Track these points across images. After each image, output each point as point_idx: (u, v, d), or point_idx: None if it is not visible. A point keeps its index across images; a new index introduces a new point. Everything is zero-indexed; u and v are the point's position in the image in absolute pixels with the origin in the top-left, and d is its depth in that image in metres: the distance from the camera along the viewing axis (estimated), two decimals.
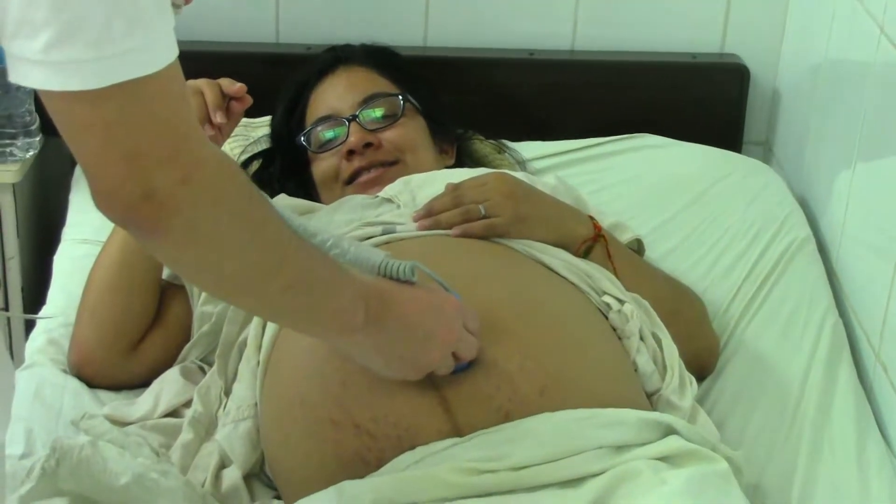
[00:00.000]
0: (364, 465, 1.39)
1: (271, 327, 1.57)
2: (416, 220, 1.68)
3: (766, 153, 2.39)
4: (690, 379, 1.60)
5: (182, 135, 1.07)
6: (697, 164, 2.17)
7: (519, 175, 1.81)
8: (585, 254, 1.70)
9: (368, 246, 1.37)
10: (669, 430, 1.42)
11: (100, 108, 1.03)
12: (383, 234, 1.65)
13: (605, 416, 1.40)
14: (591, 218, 1.74)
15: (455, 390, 1.40)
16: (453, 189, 1.70)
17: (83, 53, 1.01)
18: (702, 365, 1.77)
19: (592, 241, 1.71)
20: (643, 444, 1.40)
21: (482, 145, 2.11)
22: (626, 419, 1.41)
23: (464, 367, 1.39)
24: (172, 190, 1.06)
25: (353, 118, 1.87)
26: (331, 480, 1.37)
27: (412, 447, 1.37)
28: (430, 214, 1.67)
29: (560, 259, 1.64)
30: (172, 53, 1.06)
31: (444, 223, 1.66)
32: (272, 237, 1.18)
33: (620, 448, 1.39)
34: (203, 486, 1.49)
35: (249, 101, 1.76)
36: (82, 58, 1.01)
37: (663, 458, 1.39)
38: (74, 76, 1.01)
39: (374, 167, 1.85)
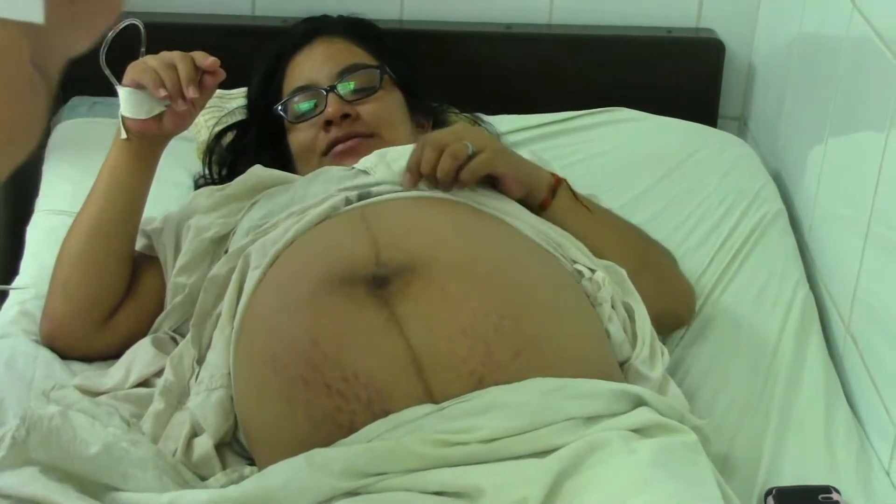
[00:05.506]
0: (335, 426, 1.39)
1: (245, 297, 1.57)
2: (409, 185, 1.64)
3: (741, 128, 2.40)
4: (662, 350, 1.61)
5: None
6: (672, 138, 2.18)
7: None
8: (552, 195, 1.70)
9: None
10: (640, 402, 1.43)
11: None
12: (360, 199, 1.64)
13: (575, 388, 1.41)
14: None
15: (428, 352, 1.40)
16: (426, 142, 1.65)
17: None
18: (677, 314, 1.78)
19: (556, 184, 1.72)
20: (613, 416, 1.40)
21: (457, 118, 2.11)
22: (597, 391, 1.41)
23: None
24: None
25: (331, 89, 1.86)
26: (303, 442, 1.38)
27: (383, 411, 1.38)
28: (420, 174, 1.64)
29: (531, 225, 1.64)
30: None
31: (441, 173, 1.61)
32: None
33: (591, 419, 1.39)
34: (174, 455, 1.49)
35: (223, 74, 1.74)
36: None
37: (633, 430, 1.39)
38: None
39: (350, 138, 1.84)
